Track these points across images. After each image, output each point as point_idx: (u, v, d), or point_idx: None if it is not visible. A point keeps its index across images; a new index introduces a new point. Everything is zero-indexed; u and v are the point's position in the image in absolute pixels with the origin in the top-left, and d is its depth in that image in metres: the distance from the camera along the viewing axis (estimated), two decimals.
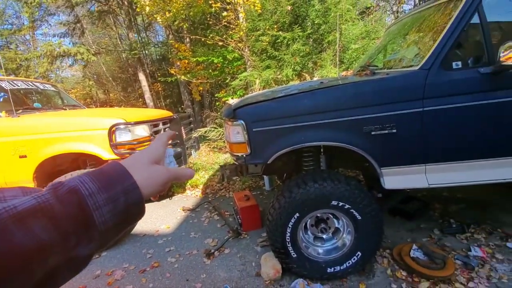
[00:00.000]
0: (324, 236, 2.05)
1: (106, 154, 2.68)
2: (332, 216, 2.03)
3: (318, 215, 2.03)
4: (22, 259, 0.27)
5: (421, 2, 10.10)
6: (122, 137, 2.70)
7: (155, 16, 5.55)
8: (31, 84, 3.56)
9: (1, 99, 3.12)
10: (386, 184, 1.78)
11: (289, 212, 1.88)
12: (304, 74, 4.61)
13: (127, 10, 10.69)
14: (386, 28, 3.04)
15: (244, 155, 1.96)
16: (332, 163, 2.44)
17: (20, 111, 2.96)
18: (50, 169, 2.82)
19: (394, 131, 1.68)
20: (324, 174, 1.93)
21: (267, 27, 4.77)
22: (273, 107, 1.89)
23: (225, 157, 5.37)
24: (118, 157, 2.68)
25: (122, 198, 0.34)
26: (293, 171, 2.53)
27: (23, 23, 14.64)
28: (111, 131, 2.64)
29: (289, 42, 4.74)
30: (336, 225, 2.03)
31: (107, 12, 11.79)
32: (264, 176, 3.80)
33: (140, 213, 0.38)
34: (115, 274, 2.38)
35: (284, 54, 4.62)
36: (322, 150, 2.20)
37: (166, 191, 0.53)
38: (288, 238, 1.92)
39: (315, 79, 3.80)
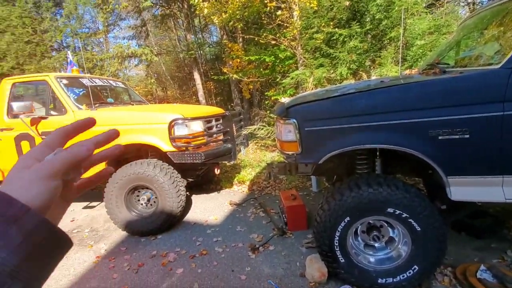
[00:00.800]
0: (376, 245, 1.93)
1: (165, 146, 2.92)
2: (386, 224, 1.91)
3: (371, 221, 1.93)
4: None
5: None
6: (180, 131, 2.91)
7: (212, 17, 5.82)
8: (106, 81, 4.05)
9: (81, 94, 3.62)
10: (453, 195, 1.61)
11: (339, 215, 1.82)
12: (360, 72, 4.37)
13: (186, 13, 11.42)
14: (460, 22, 2.72)
15: (295, 154, 1.95)
16: (388, 168, 2.28)
17: (97, 104, 3.39)
18: (119, 156, 3.17)
19: (467, 136, 1.50)
20: (380, 179, 1.82)
21: (322, 24, 4.64)
22: (327, 106, 1.84)
23: (272, 156, 5.41)
24: (175, 150, 2.90)
25: (13, 228, 0.27)
26: (344, 173, 2.43)
27: (98, 28, 16.66)
28: (171, 125, 2.86)
29: (345, 39, 4.54)
30: (391, 234, 1.90)
31: (169, 15, 12.76)
32: (312, 177, 3.73)
33: (55, 236, 0.31)
34: (169, 256, 2.59)
35: (340, 52, 4.44)
36: (377, 153, 2.08)
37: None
38: (336, 242, 1.86)
39: (373, 78, 3.58)
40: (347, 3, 4.53)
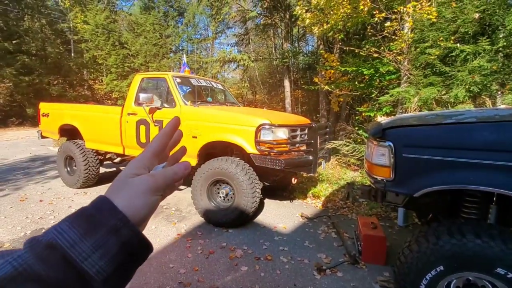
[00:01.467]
0: None
1: (250, 148, 3.08)
2: (490, 286, 1.52)
3: (470, 278, 1.57)
4: None
5: None
6: (266, 136, 3.03)
7: (312, 28, 5.85)
8: (209, 82, 4.57)
9: (187, 91, 4.17)
10: None
11: (430, 261, 1.55)
12: (483, 97, 3.63)
13: (286, 23, 11.86)
14: None
15: (385, 180, 1.77)
16: (506, 219, 1.83)
17: (199, 102, 3.86)
18: (208, 150, 3.52)
19: None
20: (493, 231, 1.47)
21: (440, 38, 4.06)
22: (436, 133, 1.60)
23: (353, 175, 5.06)
24: (258, 153, 3.04)
25: (112, 238, 0.29)
26: (443, 214, 2.07)
27: (208, 34, 18.97)
28: (258, 129, 3.01)
29: (468, 57, 3.86)
30: None
31: (270, 25, 13.51)
32: (399, 209, 3.31)
33: (143, 246, 0.32)
34: (236, 251, 2.71)
35: (458, 71, 3.79)
36: (494, 199, 1.69)
37: None
38: None
39: (501, 106, 2.92)
40: (477, 15, 3.84)
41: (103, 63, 16.15)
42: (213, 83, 4.70)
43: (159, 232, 3.10)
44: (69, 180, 4.52)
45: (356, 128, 5.69)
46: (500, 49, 4.02)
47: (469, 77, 3.63)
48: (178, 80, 3.88)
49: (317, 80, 7.79)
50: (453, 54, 3.99)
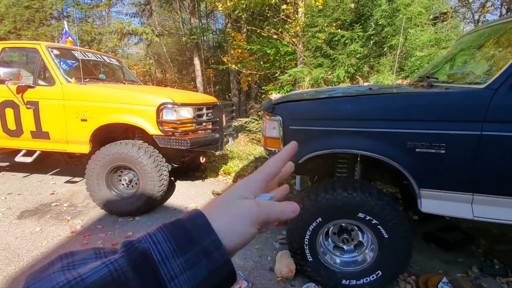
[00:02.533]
0: (345, 247, 1.98)
1: (152, 129, 2.90)
2: (357, 229, 1.95)
3: (343, 224, 1.96)
4: None
5: (509, 13, 8.81)
6: (168, 116, 2.89)
7: (217, 4, 5.72)
8: (100, 56, 3.97)
9: (73, 66, 3.55)
10: (423, 207, 1.65)
11: (311, 215, 1.84)
12: (357, 77, 4.38)
13: None
14: (459, 37, 2.74)
15: (276, 151, 1.96)
16: (368, 174, 2.32)
17: (87, 79, 3.33)
18: (104, 134, 3.14)
19: (443, 152, 1.52)
20: (356, 184, 1.85)
21: (326, 24, 4.61)
22: (313, 107, 1.85)
23: (261, 150, 5.43)
24: (162, 134, 2.89)
25: (203, 261, 0.26)
26: (325, 175, 2.46)
27: (102, 0, 16.22)
28: (159, 109, 2.84)
29: (346, 42, 4.53)
30: (360, 239, 1.94)
31: None
32: (296, 176, 3.76)
33: (230, 279, 0.28)
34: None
35: (339, 54, 4.42)
36: (359, 159, 2.11)
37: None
38: (306, 241, 1.89)
39: (365, 84, 3.59)
40: (353, 5, 4.50)
41: None
42: (105, 57, 4.10)
43: (47, 233, 2.66)
44: None
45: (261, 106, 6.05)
46: (370, 36, 4.87)
47: (347, 60, 4.31)
48: (56, 52, 3.23)
49: (225, 60, 7.80)
50: (336, 39, 4.62)
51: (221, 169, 4.58)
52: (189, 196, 3.63)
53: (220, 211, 0.30)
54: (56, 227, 2.77)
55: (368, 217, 1.75)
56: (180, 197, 3.57)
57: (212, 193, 3.71)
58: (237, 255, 2.36)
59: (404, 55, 4.30)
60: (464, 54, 2.38)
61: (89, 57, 3.67)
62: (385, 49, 4.59)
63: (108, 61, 4.09)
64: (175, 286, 0.25)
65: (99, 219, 2.98)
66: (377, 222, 1.74)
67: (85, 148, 3.06)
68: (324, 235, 1.95)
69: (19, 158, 3.28)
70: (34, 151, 3.25)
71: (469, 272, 2.16)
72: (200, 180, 4.24)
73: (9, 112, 3.04)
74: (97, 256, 0.27)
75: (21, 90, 2.97)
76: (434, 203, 1.64)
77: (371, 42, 4.99)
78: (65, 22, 4.88)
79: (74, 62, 3.59)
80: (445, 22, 5.39)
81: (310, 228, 1.86)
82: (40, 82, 3.12)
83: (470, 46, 2.32)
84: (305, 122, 1.86)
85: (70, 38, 4.29)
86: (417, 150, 1.59)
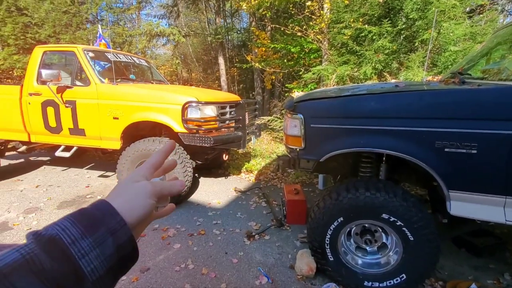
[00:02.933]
0: (368, 248, 1.93)
1: (178, 126, 3.01)
2: (380, 230, 1.89)
3: (366, 225, 1.92)
4: None
5: None
6: (193, 114, 2.99)
7: (241, 3, 5.77)
8: (130, 58, 4.18)
9: (106, 68, 3.78)
10: (452, 210, 1.57)
11: (333, 214, 1.83)
12: (385, 74, 4.21)
13: None
14: (495, 30, 2.55)
15: (298, 149, 1.96)
16: (393, 175, 2.24)
17: (119, 80, 3.53)
18: (133, 132, 3.32)
19: (474, 152, 1.44)
20: (379, 184, 1.80)
21: (352, 20, 4.48)
22: (335, 105, 1.82)
23: (284, 148, 5.41)
24: (187, 131, 2.99)
25: (109, 239, 0.30)
26: (348, 174, 2.42)
27: (132, 3, 16.97)
28: (184, 107, 2.94)
29: (374, 37, 4.37)
30: (384, 240, 1.88)
31: None
32: (319, 175, 3.72)
33: (134, 253, 0.33)
34: (169, 231, 2.72)
35: (366, 50, 4.28)
36: (384, 158, 2.05)
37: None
38: (327, 240, 1.88)
39: (392, 81, 3.45)
40: None
41: None
42: (135, 59, 4.32)
43: None
44: None
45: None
46: (400, 31, 4.66)
47: (375, 56, 4.16)
48: (91, 54, 3.46)
49: (249, 58, 7.84)
50: (363, 34, 4.47)
51: (244, 167, 4.64)
52: (212, 192, 3.73)
53: (119, 194, 0.36)
54: None
55: (392, 218, 1.69)
56: (203, 193, 3.67)
57: (235, 190, 3.78)
58: (258, 251, 2.40)
59: (437, 50, 4.06)
60: (501, 49, 2.21)
61: (120, 58, 3.88)
62: (416, 44, 4.37)
63: (137, 62, 4.29)
64: (86, 263, 0.28)
65: None
66: (402, 224, 1.68)
67: (117, 145, 3.25)
68: (346, 235, 1.92)
69: (58, 153, 3.56)
70: (72, 147, 3.51)
71: (501, 279, 2.03)
72: (223, 177, 4.33)
73: (50, 111, 3.31)
74: (8, 247, 0.29)
75: (61, 90, 3.22)
76: (464, 205, 1.55)
77: (401, 38, 4.77)
78: (99, 26, 5.19)
79: (106, 63, 3.82)
80: (481, 15, 5.01)
81: (331, 228, 1.84)
82: (77, 82, 3.35)
83: (508, 40, 2.15)
84: (327, 120, 1.84)
85: (103, 41, 4.56)
86: (446, 150, 1.51)
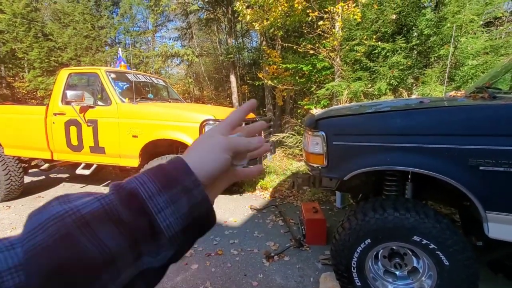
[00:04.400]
0: (398, 273, 1.82)
1: None
2: (411, 253, 1.79)
3: (394, 247, 1.82)
4: (90, 270, 0.24)
5: None
6: None
7: (253, 24, 5.95)
8: (149, 78, 4.32)
9: (125, 88, 3.90)
10: (491, 232, 1.47)
11: (359, 236, 1.74)
12: (401, 89, 4.17)
13: (229, 18, 11.81)
14: None
15: (320, 167, 1.92)
16: (419, 193, 2.15)
17: (138, 99, 3.63)
18: (151, 149, 3.36)
19: None
20: (408, 204, 1.72)
21: (365, 37, 4.51)
22: (359, 122, 1.79)
23: (298, 165, 5.35)
24: None
25: (184, 198, 0.30)
26: (370, 193, 2.34)
27: (148, 27, 17.82)
28: (202, 125, 2.97)
29: (387, 54, 4.37)
30: (415, 264, 1.77)
31: (213, 19, 13.28)
32: (337, 192, 3.63)
33: (209, 214, 0.33)
34: None
35: (380, 66, 4.27)
36: (409, 176, 1.97)
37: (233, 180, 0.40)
38: (354, 263, 1.78)
39: (413, 96, 3.40)
40: (394, 16, 4.37)
41: (24, 57, 13.95)
42: (153, 78, 4.45)
43: None
44: None
45: (299, 120, 6.02)
46: (414, 47, 4.65)
47: (389, 72, 4.14)
48: (113, 75, 3.58)
49: (261, 76, 7.97)
50: (376, 51, 4.49)
51: (258, 184, 4.58)
52: (227, 210, 3.68)
53: (195, 150, 0.35)
54: None
55: (424, 241, 1.60)
56: (219, 211, 3.62)
57: (250, 208, 3.71)
58: (278, 273, 2.31)
59: (454, 65, 4.01)
60: None
61: (139, 78, 4.01)
62: (431, 59, 4.34)
63: (155, 82, 4.42)
64: (161, 218, 0.29)
65: None
66: (435, 247, 1.58)
67: (135, 162, 3.28)
68: (373, 259, 1.82)
69: (79, 171, 3.62)
70: (92, 164, 3.58)
71: None
72: (238, 195, 4.28)
73: (72, 130, 3.41)
74: (89, 196, 0.30)
75: (83, 110, 3.33)
76: (504, 228, 1.45)
77: (415, 53, 4.76)
78: (119, 49, 5.43)
79: (126, 84, 3.95)
80: (501, 27, 4.96)
81: (358, 250, 1.76)
82: (99, 102, 3.46)
83: None
84: (350, 138, 1.80)
85: (123, 63, 4.74)
86: (481, 168, 1.44)
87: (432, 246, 1.59)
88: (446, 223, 1.60)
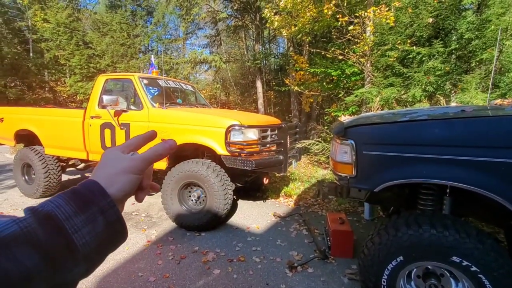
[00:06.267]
0: None
1: (220, 149, 3.06)
2: (448, 274, 1.64)
3: (429, 267, 1.68)
4: (9, 286, 0.26)
5: None
6: (236, 137, 3.02)
7: (281, 30, 5.95)
8: (178, 84, 4.47)
9: (156, 93, 4.05)
10: None
11: (390, 252, 1.63)
12: (438, 96, 3.92)
13: (257, 25, 11.96)
14: None
15: (348, 177, 1.84)
16: (459, 209, 1.98)
17: (168, 104, 3.75)
18: (178, 152, 3.44)
19: None
20: (447, 221, 1.58)
21: (398, 41, 4.32)
22: (392, 131, 1.70)
23: (323, 173, 5.21)
24: (229, 154, 3.02)
25: (100, 217, 0.33)
26: (402, 206, 2.20)
27: (179, 35, 18.57)
28: (228, 131, 2.99)
29: (423, 59, 4.14)
30: (453, 287, 1.62)
31: (241, 26, 13.53)
32: (365, 204, 3.46)
33: (122, 231, 0.36)
34: (208, 255, 2.68)
35: (415, 72, 4.05)
36: (448, 190, 1.83)
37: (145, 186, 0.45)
38: (384, 282, 1.67)
39: (452, 104, 3.17)
40: (431, 19, 4.14)
41: (66, 64, 15.18)
42: (182, 84, 4.60)
43: (128, 240, 2.95)
44: (27, 190, 4.19)
45: (326, 127, 5.88)
46: (453, 51, 4.37)
47: (425, 78, 3.91)
48: (145, 81, 3.75)
49: (287, 82, 7.93)
50: (410, 56, 4.27)
51: (282, 191, 4.52)
52: (250, 216, 3.65)
53: (104, 171, 0.38)
54: (135, 235, 3.08)
55: (465, 263, 1.46)
56: (242, 217, 3.61)
57: (274, 215, 3.66)
58: (301, 285, 2.25)
59: (499, 70, 3.69)
60: None
61: (170, 84, 4.16)
62: (472, 64, 4.04)
63: (184, 87, 4.56)
64: (78, 237, 0.31)
65: (170, 231, 3.20)
66: (478, 270, 1.44)
67: (163, 165, 3.39)
68: (405, 278, 1.70)
69: None
70: None
71: None
72: (261, 201, 4.25)
73: (107, 132, 3.60)
74: (4, 217, 0.32)
75: (118, 114, 3.50)
76: None
77: (454, 58, 4.47)
78: (152, 56, 5.69)
79: (156, 89, 4.11)
80: None
81: (389, 267, 1.65)
82: (132, 107, 3.63)
83: None
84: (382, 147, 1.71)
85: (155, 69, 4.96)
86: None
87: (474, 268, 1.44)
88: (491, 244, 1.45)
